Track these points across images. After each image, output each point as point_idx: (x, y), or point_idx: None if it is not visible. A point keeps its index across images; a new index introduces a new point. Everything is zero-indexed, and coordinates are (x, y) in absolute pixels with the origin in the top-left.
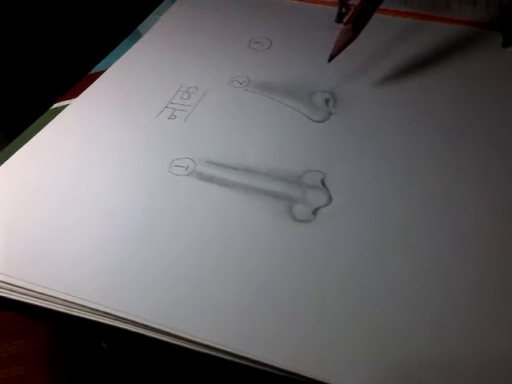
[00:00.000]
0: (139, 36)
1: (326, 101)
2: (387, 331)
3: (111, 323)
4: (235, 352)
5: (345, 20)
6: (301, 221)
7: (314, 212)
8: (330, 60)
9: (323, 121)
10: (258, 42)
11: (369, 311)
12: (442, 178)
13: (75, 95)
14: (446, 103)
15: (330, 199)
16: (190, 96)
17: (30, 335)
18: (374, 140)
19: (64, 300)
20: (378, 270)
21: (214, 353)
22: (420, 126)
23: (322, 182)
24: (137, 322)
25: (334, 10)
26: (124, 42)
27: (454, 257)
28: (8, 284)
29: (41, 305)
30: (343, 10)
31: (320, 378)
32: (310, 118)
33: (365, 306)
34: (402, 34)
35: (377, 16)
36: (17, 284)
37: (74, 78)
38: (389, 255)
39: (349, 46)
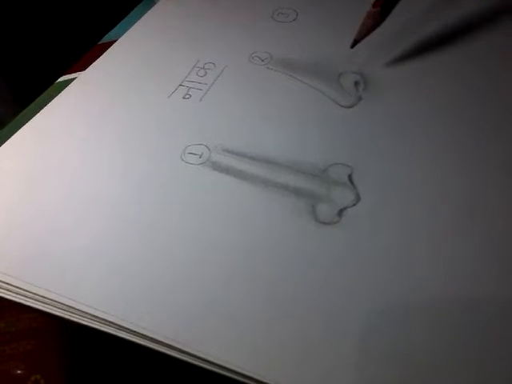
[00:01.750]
0: (152, 3)
1: (356, 83)
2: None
3: (113, 332)
4: (254, 376)
5: (373, 2)
6: (324, 223)
7: (340, 213)
8: (352, 46)
9: (351, 106)
10: (282, 14)
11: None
12: (490, 176)
13: (83, 68)
14: (498, 86)
15: (358, 198)
16: (206, 73)
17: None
18: (410, 130)
19: (64, 304)
20: (412, 287)
21: (228, 374)
22: (467, 114)
23: (349, 178)
24: (138, 332)
25: None
26: (136, 9)
27: (498, 274)
28: (4, 283)
29: (38, 307)
30: None
31: None
32: (337, 103)
33: (399, 326)
34: (441, 3)
35: None
36: (14, 284)
37: (82, 48)
38: (424, 269)
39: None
